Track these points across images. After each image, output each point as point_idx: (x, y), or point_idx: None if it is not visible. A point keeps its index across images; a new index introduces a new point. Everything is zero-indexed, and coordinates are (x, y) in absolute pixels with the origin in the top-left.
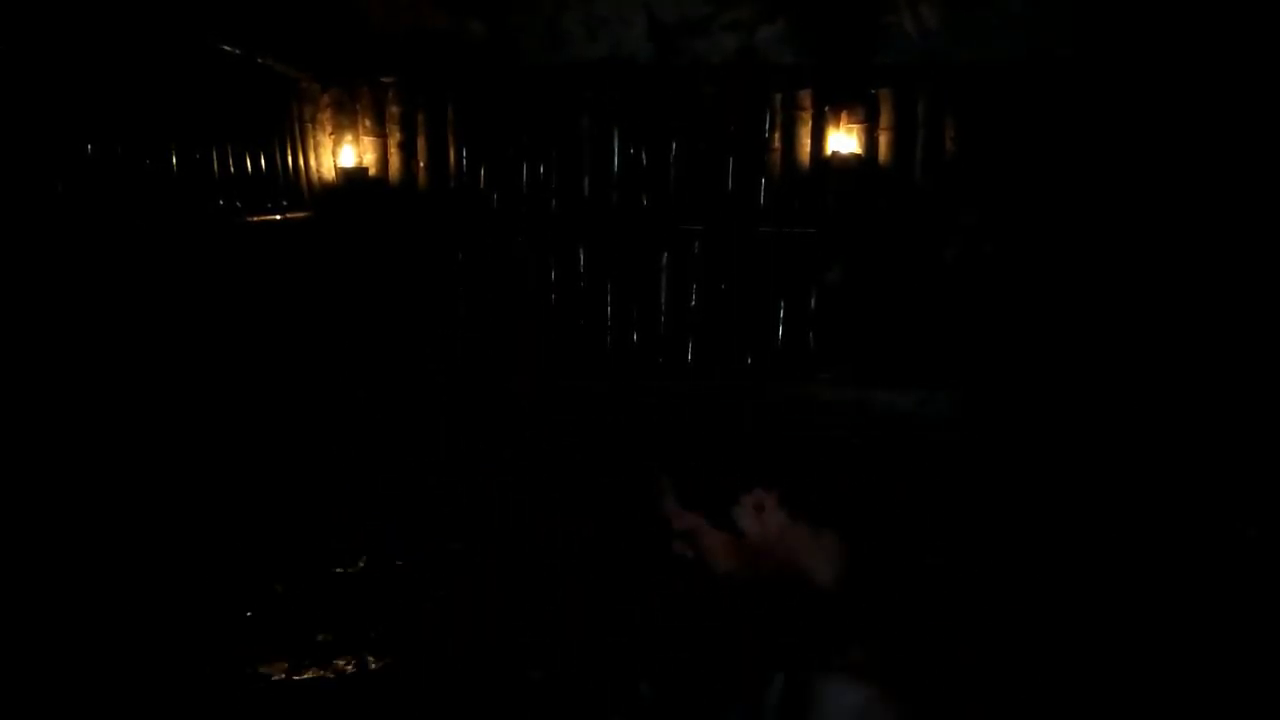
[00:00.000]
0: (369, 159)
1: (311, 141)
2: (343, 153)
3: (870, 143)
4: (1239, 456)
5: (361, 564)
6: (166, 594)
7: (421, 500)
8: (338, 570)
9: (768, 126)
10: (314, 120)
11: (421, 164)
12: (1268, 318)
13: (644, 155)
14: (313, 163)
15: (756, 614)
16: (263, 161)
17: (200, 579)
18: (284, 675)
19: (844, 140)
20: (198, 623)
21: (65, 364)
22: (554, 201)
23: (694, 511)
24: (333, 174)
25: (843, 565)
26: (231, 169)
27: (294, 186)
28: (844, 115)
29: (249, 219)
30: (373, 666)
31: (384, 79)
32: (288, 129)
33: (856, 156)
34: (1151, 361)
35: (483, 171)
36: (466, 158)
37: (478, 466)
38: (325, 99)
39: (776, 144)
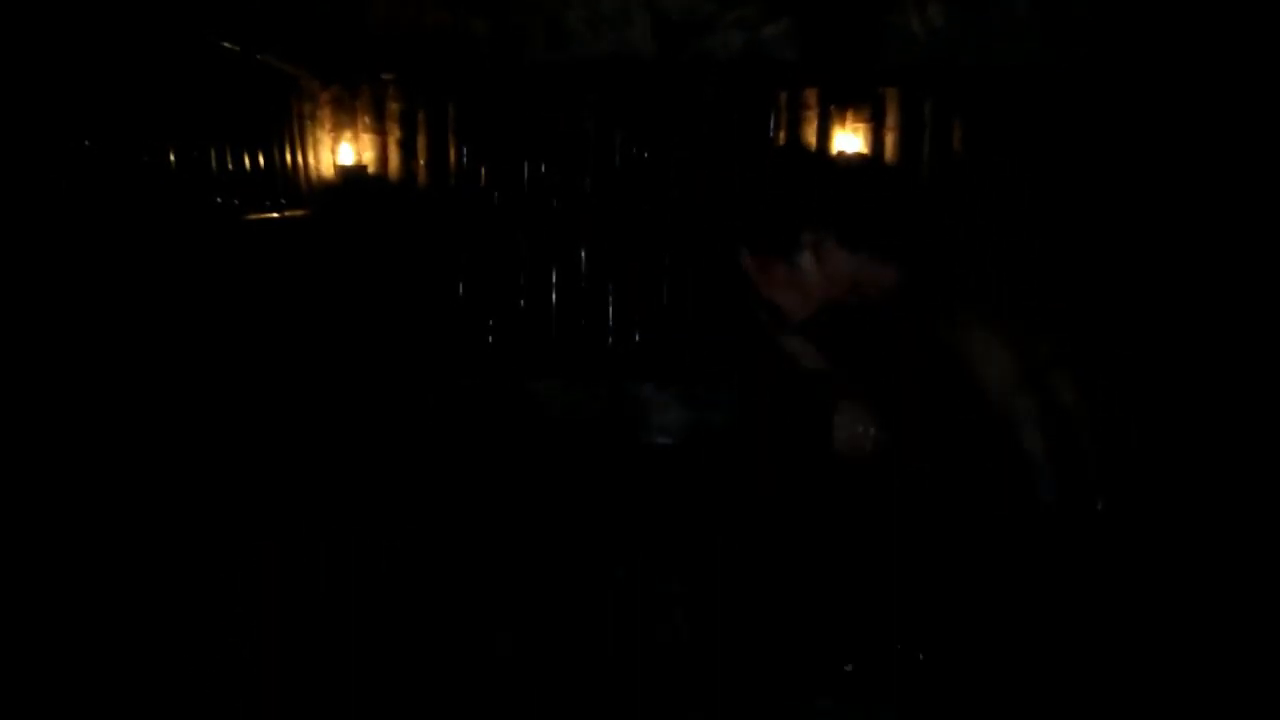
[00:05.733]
0: (368, 157)
1: (311, 139)
2: (342, 150)
3: (876, 142)
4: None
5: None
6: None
7: (419, 501)
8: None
9: (772, 125)
10: (313, 118)
11: (421, 162)
12: (1268, 320)
13: (646, 153)
14: (312, 160)
15: None
16: (261, 159)
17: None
18: None
19: (849, 139)
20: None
21: (65, 361)
22: (555, 200)
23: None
24: (332, 172)
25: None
26: (230, 166)
27: (293, 184)
28: (849, 114)
29: (247, 217)
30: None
31: (384, 76)
32: (287, 126)
33: (862, 156)
34: (1160, 365)
35: (483, 170)
36: (467, 156)
37: (475, 466)
38: (325, 96)
39: (781, 143)
